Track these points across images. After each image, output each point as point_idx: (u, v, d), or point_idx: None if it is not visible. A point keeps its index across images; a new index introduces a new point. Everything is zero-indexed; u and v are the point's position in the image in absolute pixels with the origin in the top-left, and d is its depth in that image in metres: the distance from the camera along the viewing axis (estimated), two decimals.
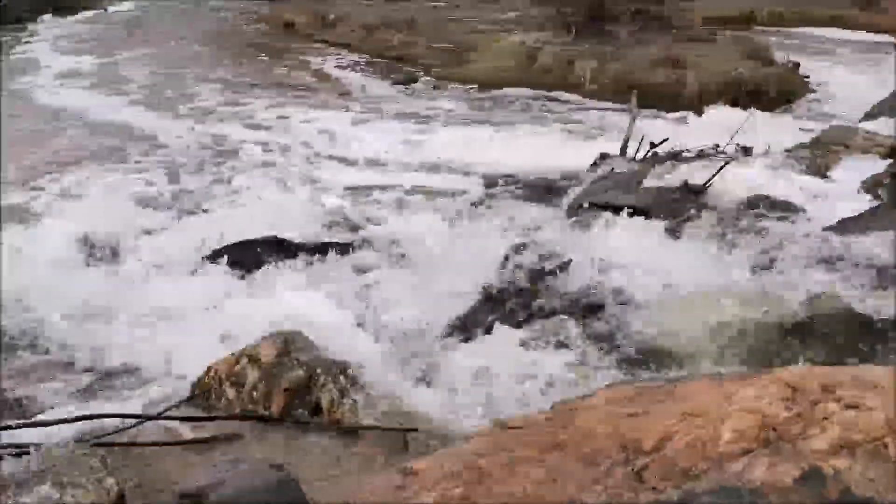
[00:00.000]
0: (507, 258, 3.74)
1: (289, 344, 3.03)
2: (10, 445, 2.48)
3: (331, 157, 8.68)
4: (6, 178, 7.53)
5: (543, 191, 6.65)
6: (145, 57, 13.38)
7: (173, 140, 9.11)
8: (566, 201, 5.81)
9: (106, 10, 17.00)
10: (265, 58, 13.49)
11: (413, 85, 11.69)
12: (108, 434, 2.61)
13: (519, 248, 3.83)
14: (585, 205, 5.07)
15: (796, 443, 1.57)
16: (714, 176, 4.77)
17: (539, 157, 8.18)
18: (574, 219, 4.88)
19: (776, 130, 7.75)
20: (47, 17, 15.79)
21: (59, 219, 6.09)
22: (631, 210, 4.60)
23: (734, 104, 9.41)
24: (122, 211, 6.50)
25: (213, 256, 4.81)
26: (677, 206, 4.52)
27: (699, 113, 9.35)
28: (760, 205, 4.41)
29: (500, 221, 5.62)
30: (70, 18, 16.07)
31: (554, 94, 10.95)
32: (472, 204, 6.52)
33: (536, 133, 9.43)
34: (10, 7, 15.33)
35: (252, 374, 2.96)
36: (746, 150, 5.79)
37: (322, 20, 14.66)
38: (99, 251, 5.25)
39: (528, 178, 7.38)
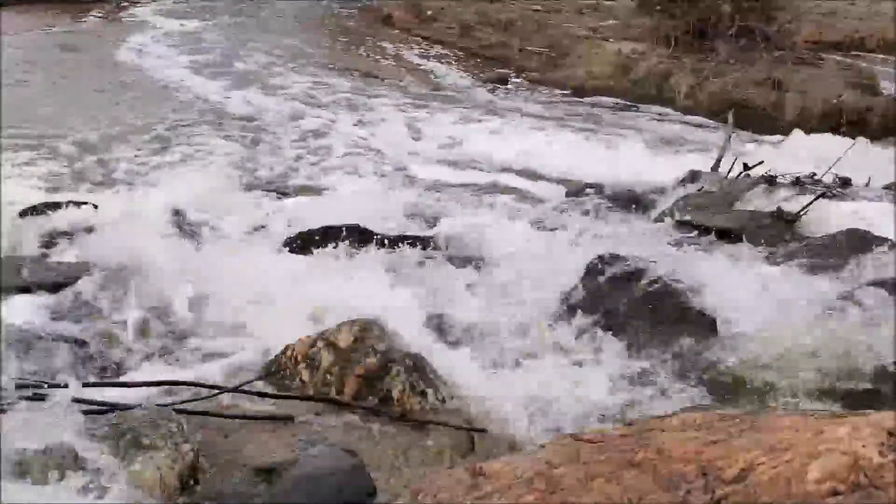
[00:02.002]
0: (590, 268, 3.67)
1: (365, 331, 3.06)
2: (92, 402, 2.57)
3: (415, 150, 8.76)
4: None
5: (629, 202, 6.52)
6: (247, 39, 13.73)
7: (267, 118, 9.33)
8: (653, 215, 5.71)
9: None
10: (361, 48, 13.66)
11: (504, 85, 11.67)
12: (186, 402, 2.68)
13: (602, 260, 3.76)
14: (673, 221, 4.98)
15: (889, 490, 1.50)
16: (809, 205, 4.63)
17: (626, 167, 8.06)
18: (661, 234, 4.79)
19: (877, 163, 7.45)
20: None
21: (155, 189, 6.34)
22: (721, 231, 4.50)
23: (834, 132, 9.10)
24: (214, 186, 6.73)
25: (298, 238, 4.90)
26: (769, 233, 4.39)
27: (797, 138, 9.06)
28: (855, 239, 4.24)
29: (583, 229, 5.58)
30: None
31: (647, 105, 10.79)
32: (556, 209, 6.45)
33: (625, 143, 9.31)
34: None
35: (327, 358, 3.00)
36: (845, 182, 5.58)
37: (419, 15, 14.75)
38: (191, 224, 5.42)
39: (614, 187, 7.26)
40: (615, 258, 3.76)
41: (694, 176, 6.25)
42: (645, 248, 4.05)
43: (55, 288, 4.09)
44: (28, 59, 11.31)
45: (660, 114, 10.60)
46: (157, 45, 12.92)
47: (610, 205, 6.46)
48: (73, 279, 4.19)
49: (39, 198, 6.39)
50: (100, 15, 14.70)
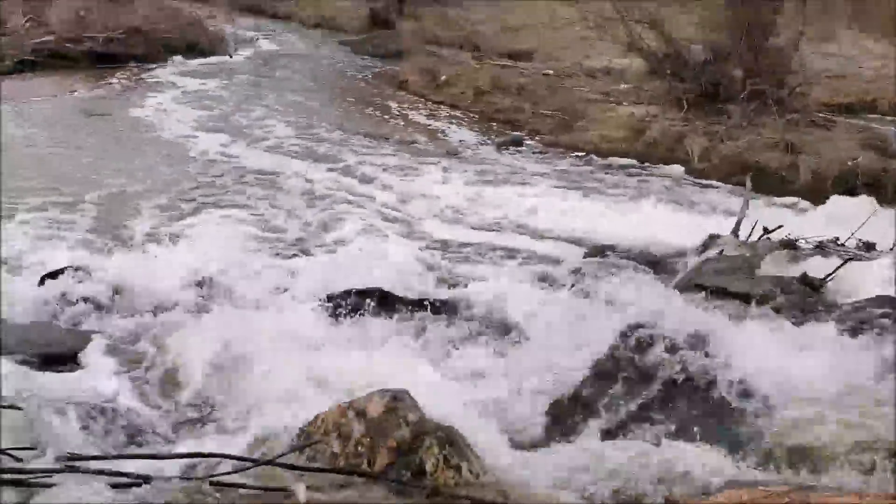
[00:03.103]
0: (616, 339, 3.63)
1: (395, 401, 3.03)
2: (122, 474, 2.55)
3: (430, 211, 8.82)
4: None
5: (647, 265, 6.55)
6: (263, 101, 13.99)
7: (284, 182, 9.45)
8: (674, 279, 5.71)
9: (230, 56, 17.90)
10: (377, 112, 13.88)
11: (518, 148, 11.79)
12: (219, 474, 2.65)
13: (629, 329, 3.73)
14: (695, 286, 4.97)
15: None
16: (836, 271, 4.61)
17: (643, 230, 8.10)
18: (684, 300, 4.76)
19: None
20: (178, 58, 16.79)
21: (177, 251, 6.39)
22: (745, 297, 4.48)
23: (850, 194, 9.11)
24: (233, 250, 6.77)
25: (322, 302, 4.91)
26: (795, 299, 4.36)
27: (813, 200, 9.08)
28: (885, 305, 4.21)
29: (603, 294, 5.57)
30: (196, 62, 16.97)
31: (661, 168, 10.85)
32: (573, 272, 6.45)
33: (641, 205, 9.34)
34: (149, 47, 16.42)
35: (358, 429, 2.97)
36: (869, 246, 5.57)
37: (434, 80, 15.01)
38: (212, 287, 5.45)
39: (631, 250, 7.28)
40: (641, 328, 3.72)
41: (714, 240, 6.26)
42: (668, 317, 4.01)
43: (63, 357, 4.07)
44: (52, 124, 11.53)
45: (675, 176, 10.65)
46: (176, 105, 13.18)
47: (629, 267, 6.47)
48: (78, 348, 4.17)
49: (62, 260, 6.47)
50: (123, 77, 15.03)
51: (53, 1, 16.96)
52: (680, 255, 6.68)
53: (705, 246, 6.24)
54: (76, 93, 13.64)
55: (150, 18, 17.01)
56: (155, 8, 17.82)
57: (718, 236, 6.39)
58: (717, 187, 10.11)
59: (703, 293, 4.83)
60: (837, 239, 5.71)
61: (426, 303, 5.03)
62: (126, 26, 16.17)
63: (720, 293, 4.57)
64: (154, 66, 16.17)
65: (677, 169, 10.76)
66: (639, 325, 3.84)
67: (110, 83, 14.57)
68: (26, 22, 16.23)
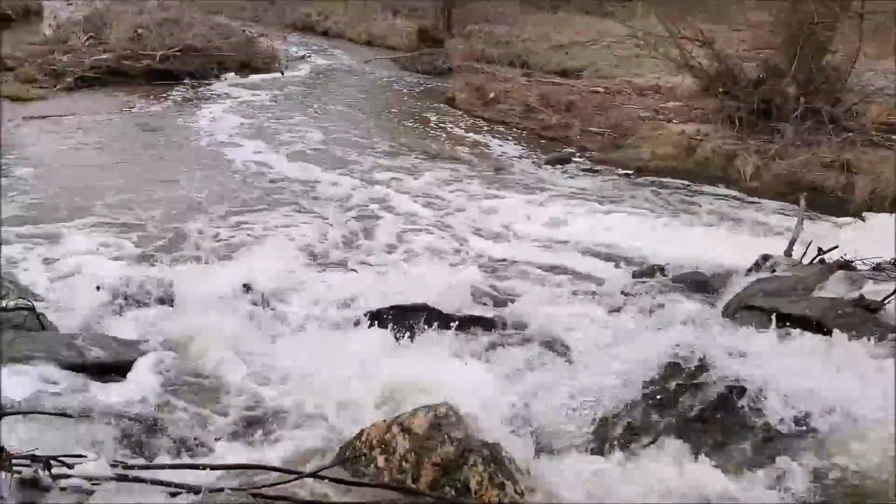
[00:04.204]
0: (666, 364, 3.56)
1: (441, 417, 3.02)
2: (173, 485, 2.58)
3: (479, 228, 8.82)
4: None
5: (697, 286, 6.42)
6: (313, 117, 14.19)
7: (333, 195, 9.55)
8: (724, 300, 5.60)
9: (282, 73, 18.23)
10: (425, 128, 13.97)
11: (566, 165, 11.75)
12: (264, 485, 2.67)
13: (678, 350, 3.66)
14: (747, 307, 4.86)
15: None
16: (894, 293, 4.46)
17: (693, 249, 7.99)
18: (734, 321, 4.68)
19: None
20: (231, 75, 17.17)
21: (228, 263, 6.49)
22: (798, 320, 4.37)
23: None
24: (282, 262, 6.86)
25: (368, 317, 4.93)
26: (852, 322, 4.24)
27: (870, 221, 8.87)
28: None
29: (652, 314, 5.49)
30: (249, 79, 17.34)
31: (712, 187, 10.71)
32: (623, 291, 6.37)
33: (691, 224, 9.25)
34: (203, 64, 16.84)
35: (403, 444, 2.96)
36: None
37: (482, 97, 15.07)
38: (260, 299, 5.51)
39: (680, 270, 7.16)
40: (689, 350, 3.65)
41: (766, 260, 6.12)
42: (720, 338, 3.93)
43: (114, 366, 4.13)
44: (110, 138, 11.84)
45: (725, 195, 10.49)
46: (228, 119, 13.45)
47: (679, 287, 6.37)
48: (130, 358, 4.23)
49: (117, 271, 6.62)
50: (178, 94, 15.39)
51: (112, 20, 17.48)
52: (731, 275, 6.55)
53: (757, 266, 6.10)
54: (133, 108, 13.99)
55: (205, 37, 17.41)
56: (209, 27, 18.26)
57: (771, 256, 6.26)
58: (770, 206, 9.93)
59: (755, 314, 4.72)
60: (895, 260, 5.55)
61: (473, 319, 5.02)
62: (182, 44, 16.57)
63: (772, 314, 4.46)
64: (208, 82, 16.55)
65: (729, 188, 10.62)
66: (687, 347, 3.77)
67: (166, 99, 14.91)
68: (86, 40, 16.74)
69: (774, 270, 5.84)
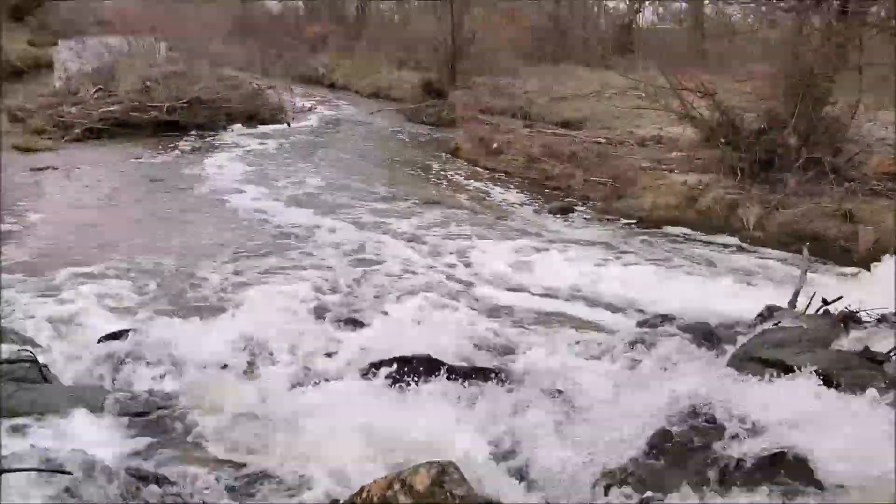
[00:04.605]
0: (674, 412, 3.52)
1: (443, 475, 2.98)
2: None
3: (481, 277, 8.80)
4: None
5: (703, 336, 6.38)
6: (318, 166, 14.32)
7: (333, 246, 9.57)
8: (730, 351, 5.55)
9: (289, 124, 18.46)
10: (429, 177, 14.08)
11: (569, 214, 11.79)
12: None
13: (683, 403, 3.63)
14: (752, 359, 4.82)
15: None
16: None
17: (697, 299, 7.96)
18: (740, 372, 4.63)
19: None
20: (237, 126, 17.40)
21: (223, 318, 6.47)
22: (804, 372, 4.33)
23: None
24: (283, 314, 6.84)
25: (369, 369, 4.89)
26: (857, 374, 4.20)
27: (874, 271, 8.83)
28: None
29: (656, 365, 5.45)
30: (255, 130, 17.57)
31: (715, 236, 10.72)
32: (626, 341, 6.33)
33: (694, 274, 9.23)
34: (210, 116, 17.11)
35: (404, 501, 2.92)
36: None
37: (486, 147, 15.19)
38: (260, 354, 5.49)
39: (684, 320, 7.12)
40: (695, 402, 3.61)
41: (771, 311, 6.10)
42: (723, 391, 3.89)
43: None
44: (116, 189, 11.94)
45: (728, 244, 10.50)
46: (232, 169, 13.59)
47: (683, 338, 6.33)
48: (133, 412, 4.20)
49: (118, 321, 6.63)
50: (185, 145, 15.57)
51: (121, 72, 17.76)
52: (736, 326, 6.51)
53: (762, 317, 6.08)
54: (140, 159, 14.13)
55: (213, 89, 17.65)
56: (217, 79, 18.53)
57: (776, 308, 6.23)
58: (773, 256, 9.92)
59: (761, 366, 4.68)
60: None
61: (476, 370, 4.97)
62: (189, 96, 16.80)
63: (778, 366, 4.42)
64: (215, 133, 16.74)
65: (731, 238, 10.63)
66: (693, 400, 3.74)
67: (173, 150, 15.08)
68: (95, 92, 16.98)
69: (779, 322, 5.81)
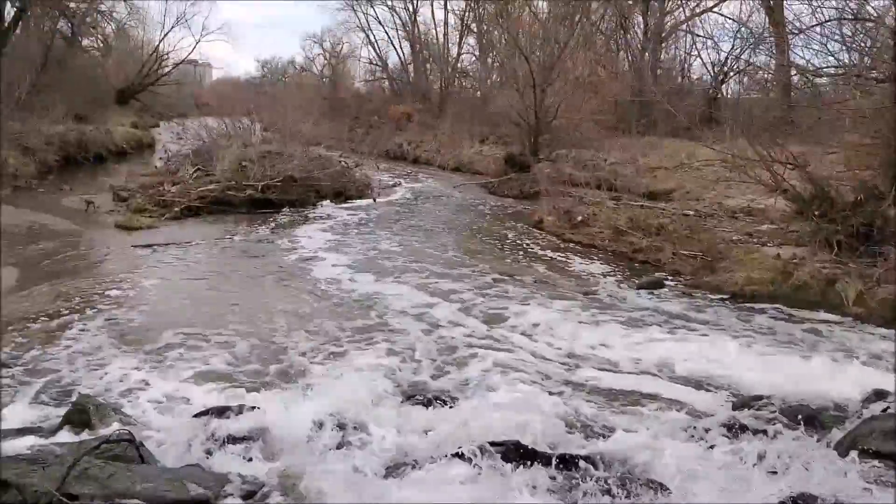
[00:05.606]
0: None
1: None
2: None
3: (569, 355, 8.66)
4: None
5: (804, 420, 6.09)
6: (403, 241, 14.54)
7: (422, 319, 9.62)
8: (835, 438, 5.27)
9: (375, 200, 18.94)
10: (512, 251, 14.09)
11: (659, 289, 11.55)
12: None
13: (788, 497, 3.44)
14: (862, 450, 4.56)
15: None
16: None
17: (796, 379, 7.61)
18: (848, 465, 4.38)
19: None
20: (327, 202, 17.99)
21: (313, 393, 6.54)
22: None
23: None
24: (368, 391, 6.86)
25: (460, 454, 4.83)
26: None
27: None
28: None
29: (755, 452, 5.21)
30: (344, 206, 18.10)
31: (812, 312, 10.30)
32: (723, 424, 6.09)
33: (792, 352, 8.85)
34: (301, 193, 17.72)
35: None
36: None
37: (570, 220, 15.16)
38: (347, 435, 5.49)
39: (783, 402, 6.82)
40: (801, 497, 3.42)
41: (879, 395, 5.78)
42: (829, 484, 3.68)
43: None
44: (212, 265, 12.38)
45: (826, 321, 10.06)
46: (324, 247, 13.95)
47: (783, 422, 6.05)
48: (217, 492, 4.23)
49: (211, 397, 6.79)
50: (278, 222, 16.09)
51: (218, 153, 18.62)
52: (839, 410, 6.20)
53: (869, 402, 5.76)
54: (235, 236, 14.65)
55: (304, 167, 18.31)
56: (308, 158, 19.23)
57: (885, 393, 5.91)
58: (876, 334, 9.45)
59: (869, 458, 4.42)
60: None
61: (566, 458, 4.85)
62: (282, 175, 17.45)
63: (889, 458, 4.17)
64: (305, 210, 17.28)
65: (830, 314, 10.20)
66: (799, 495, 3.54)
67: (266, 227, 15.59)
68: (194, 172, 17.82)
69: (888, 408, 5.50)
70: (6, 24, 29.40)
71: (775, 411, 6.43)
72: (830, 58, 13.60)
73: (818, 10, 13.45)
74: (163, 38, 45.67)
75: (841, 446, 5.07)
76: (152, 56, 44.78)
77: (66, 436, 5.41)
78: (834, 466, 4.35)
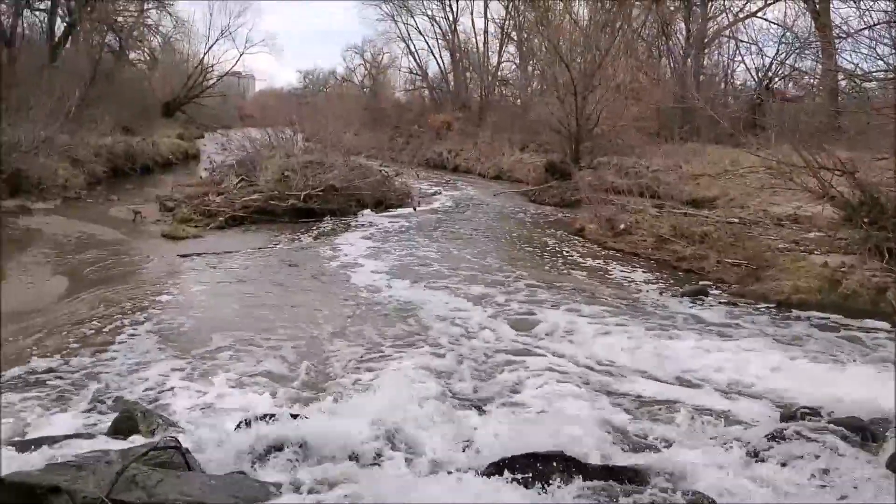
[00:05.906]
0: None
1: None
2: None
3: (614, 364, 8.58)
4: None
5: (855, 432, 5.95)
6: (444, 250, 14.56)
7: (463, 327, 9.61)
8: (888, 451, 5.14)
9: (415, 209, 19.02)
10: (554, 259, 14.02)
11: (704, 298, 11.40)
12: None
13: None
14: None
15: None
16: None
17: (845, 390, 7.43)
18: None
19: None
20: (367, 211, 18.12)
21: (352, 401, 6.58)
22: None
23: None
24: (408, 398, 6.86)
25: (502, 465, 4.80)
26: None
27: None
28: None
29: (807, 466, 5.10)
30: (384, 214, 18.22)
31: (861, 321, 10.07)
32: (770, 437, 5.96)
33: (841, 362, 8.65)
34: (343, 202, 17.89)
35: None
36: None
37: (612, 228, 15.04)
38: (390, 443, 5.50)
39: (832, 414, 6.67)
40: None
41: None
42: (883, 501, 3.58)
43: None
44: (257, 274, 12.53)
45: (877, 330, 9.82)
46: (365, 255, 14.04)
47: (833, 434, 5.90)
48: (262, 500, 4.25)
49: (256, 404, 6.86)
50: (320, 231, 16.25)
51: (262, 163, 18.87)
52: (890, 422, 6.03)
53: None
54: (278, 245, 14.82)
55: (345, 177, 18.48)
56: (349, 167, 19.40)
57: None
58: None
59: None
60: None
61: (612, 471, 4.79)
62: (324, 185, 17.63)
63: None
64: (346, 219, 17.42)
65: (880, 323, 9.96)
66: None
67: (309, 236, 15.75)
68: (238, 182, 18.08)
69: None
70: (56, 39, 30.21)
71: (825, 423, 6.27)
72: (879, 62, 13.31)
73: (866, 13, 13.17)
74: (207, 51, 46.61)
75: (894, 461, 4.94)
76: (197, 69, 45.64)
77: (114, 443, 5.51)
78: (887, 482, 4.23)
